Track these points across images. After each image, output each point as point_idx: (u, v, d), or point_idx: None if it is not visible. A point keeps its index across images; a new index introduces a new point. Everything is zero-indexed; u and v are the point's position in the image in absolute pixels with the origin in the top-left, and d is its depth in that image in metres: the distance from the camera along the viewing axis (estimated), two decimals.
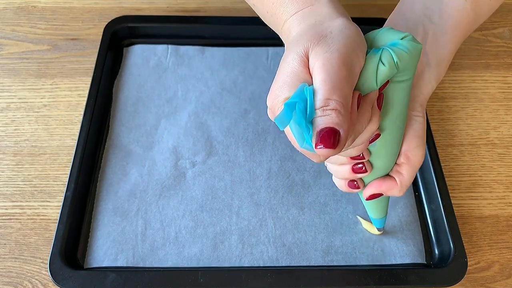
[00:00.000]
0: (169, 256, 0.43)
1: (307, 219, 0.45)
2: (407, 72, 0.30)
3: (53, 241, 0.42)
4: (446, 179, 0.47)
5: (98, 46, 0.56)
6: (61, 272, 0.40)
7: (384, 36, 0.30)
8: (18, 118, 0.53)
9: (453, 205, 0.45)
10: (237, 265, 0.42)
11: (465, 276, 0.41)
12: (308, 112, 0.25)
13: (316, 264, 0.43)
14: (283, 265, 0.43)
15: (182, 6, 0.64)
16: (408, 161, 0.34)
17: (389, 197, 0.39)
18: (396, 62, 0.28)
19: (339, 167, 0.35)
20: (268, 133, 0.51)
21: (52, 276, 0.40)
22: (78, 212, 0.45)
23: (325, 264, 0.43)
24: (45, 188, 0.48)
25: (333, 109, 0.25)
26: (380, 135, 0.32)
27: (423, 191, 0.48)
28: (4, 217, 0.46)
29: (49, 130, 0.52)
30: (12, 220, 0.46)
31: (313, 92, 0.26)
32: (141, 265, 0.42)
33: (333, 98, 0.25)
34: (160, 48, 0.58)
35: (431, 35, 0.35)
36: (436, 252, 0.44)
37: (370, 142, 0.32)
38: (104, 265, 0.42)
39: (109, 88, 0.54)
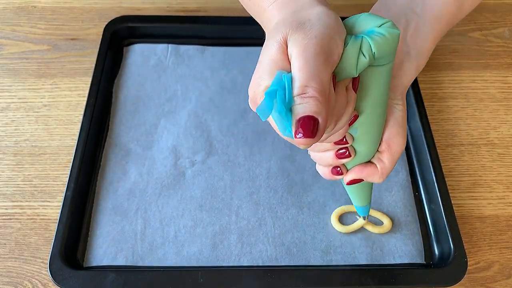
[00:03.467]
0: (168, 255, 0.43)
1: (306, 219, 0.45)
2: (385, 58, 0.30)
3: (53, 241, 0.42)
4: (446, 179, 0.47)
5: (98, 46, 0.56)
6: (61, 272, 0.40)
7: (364, 22, 0.30)
8: (18, 118, 0.53)
9: (453, 205, 0.45)
10: (236, 264, 0.42)
11: (465, 276, 0.41)
12: (287, 99, 0.25)
13: (315, 264, 0.43)
14: (282, 264, 0.43)
15: (182, 6, 0.64)
16: (389, 148, 0.35)
17: (372, 185, 0.40)
18: (374, 52, 0.28)
19: (323, 154, 0.35)
20: (267, 132, 0.51)
21: (52, 276, 0.40)
22: (78, 212, 0.45)
23: (324, 264, 0.43)
24: (45, 188, 0.48)
25: (311, 97, 0.25)
26: (358, 116, 0.32)
27: (423, 191, 0.48)
28: (4, 217, 0.46)
29: (49, 130, 0.52)
30: (12, 220, 0.46)
31: (291, 80, 0.26)
32: (140, 264, 0.42)
33: (310, 85, 0.25)
34: (160, 47, 0.58)
35: (413, 26, 0.35)
36: (436, 252, 0.44)
37: (349, 124, 0.32)
38: (103, 264, 0.42)
39: (109, 88, 0.54)
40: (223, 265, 0.42)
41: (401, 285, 0.41)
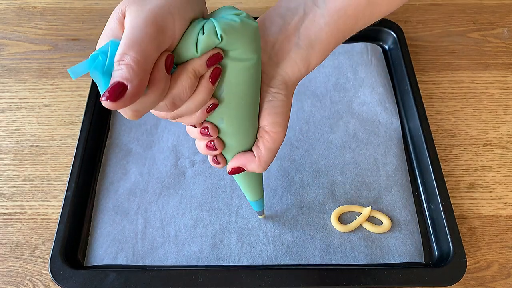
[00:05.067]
0: (169, 255, 0.43)
1: (306, 218, 0.45)
2: (242, 49, 0.29)
3: (53, 240, 0.42)
4: (445, 179, 0.47)
5: None
6: (62, 272, 0.40)
7: (221, 11, 0.30)
8: (19, 118, 0.53)
9: (452, 205, 0.45)
10: (236, 263, 0.43)
11: (464, 275, 0.41)
12: (106, 64, 0.26)
13: (314, 263, 0.43)
14: (282, 264, 0.43)
15: None
16: (265, 136, 0.34)
17: (260, 177, 0.39)
18: (220, 34, 0.28)
19: (197, 141, 0.35)
20: None
21: (52, 276, 0.40)
22: (79, 212, 0.45)
23: (323, 263, 0.43)
24: (46, 188, 0.48)
25: (126, 64, 0.26)
26: (217, 105, 0.32)
27: (423, 191, 0.48)
28: (5, 217, 0.46)
29: (50, 130, 0.52)
30: (13, 220, 0.46)
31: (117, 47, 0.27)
32: (140, 263, 0.42)
33: (129, 53, 0.26)
34: None
35: (310, 17, 0.34)
36: (436, 251, 0.44)
37: (208, 111, 0.32)
38: (104, 263, 0.42)
39: None
40: (223, 264, 0.43)
41: (400, 284, 0.41)
